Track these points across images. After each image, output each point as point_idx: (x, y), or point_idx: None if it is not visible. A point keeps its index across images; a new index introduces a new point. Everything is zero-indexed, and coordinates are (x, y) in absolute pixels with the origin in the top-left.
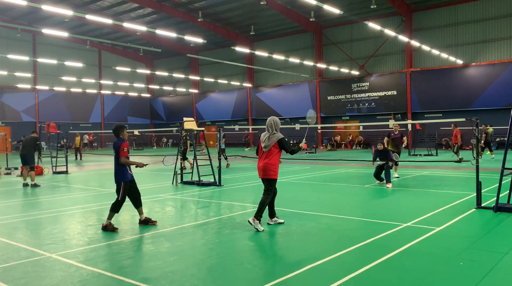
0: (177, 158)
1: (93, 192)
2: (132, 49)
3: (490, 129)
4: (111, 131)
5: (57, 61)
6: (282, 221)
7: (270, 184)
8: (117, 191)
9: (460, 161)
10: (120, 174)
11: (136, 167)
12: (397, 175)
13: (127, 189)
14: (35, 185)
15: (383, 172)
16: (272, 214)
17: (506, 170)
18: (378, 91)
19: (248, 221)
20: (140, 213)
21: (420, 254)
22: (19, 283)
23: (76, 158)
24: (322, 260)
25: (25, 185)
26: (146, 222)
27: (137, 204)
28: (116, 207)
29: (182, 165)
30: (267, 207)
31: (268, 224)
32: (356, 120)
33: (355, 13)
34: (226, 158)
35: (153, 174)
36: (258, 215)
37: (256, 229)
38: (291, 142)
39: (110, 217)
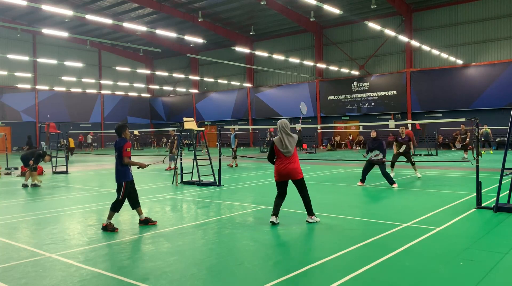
0: (176, 159)
1: (93, 192)
2: (132, 49)
3: (487, 129)
4: (110, 131)
5: (57, 61)
6: (318, 219)
7: (302, 182)
8: (118, 191)
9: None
10: (122, 174)
11: (138, 168)
12: (419, 175)
13: (128, 188)
14: (34, 185)
15: (381, 172)
16: (277, 213)
17: (506, 170)
18: (378, 91)
19: (307, 221)
20: (140, 213)
21: (420, 254)
22: (19, 283)
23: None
24: (322, 260)
25: (33, 185)
26: (146, 222)
27: (135, 204)
28: (116, 207)
29: (168, 166)
30: (274, 205)
31: (274, 223)
32: (356, 120)
33: (355, 13)
34: (235, 158)
35: (153, 174)
36: (311, 212)
37: (316, 222)
38: None
39: (110, 217)
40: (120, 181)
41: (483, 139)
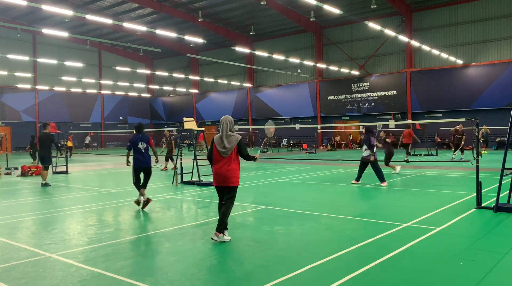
0: (176, 160)
1: (93, 192)
2: (132, 49)
3: (486, 129)
4: (110, 131)
5: (57, 61)
6: (229, 238)
7: (233, 192)
8: (149, 173)
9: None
10: (149, 160)
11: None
12: (397, 172)
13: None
14: (45, 184)
15: (372, 168)
16: (226, 226)
17: (506, 170)
18: (378, 91)
19: (212, 239)
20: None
21: (420, 254)
22: (19, 283)
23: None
24: (322, 260)
25: (45, 185)
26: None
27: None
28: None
29: (164, 166)
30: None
31: (213, 239)
32: (356, 120)
33: (355, 13)
34: None
35: (153, 174)
36: (222, 228)
37: (223, 241)
38: (291, 142)
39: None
40: (150, 165)
41: (483, 139)
